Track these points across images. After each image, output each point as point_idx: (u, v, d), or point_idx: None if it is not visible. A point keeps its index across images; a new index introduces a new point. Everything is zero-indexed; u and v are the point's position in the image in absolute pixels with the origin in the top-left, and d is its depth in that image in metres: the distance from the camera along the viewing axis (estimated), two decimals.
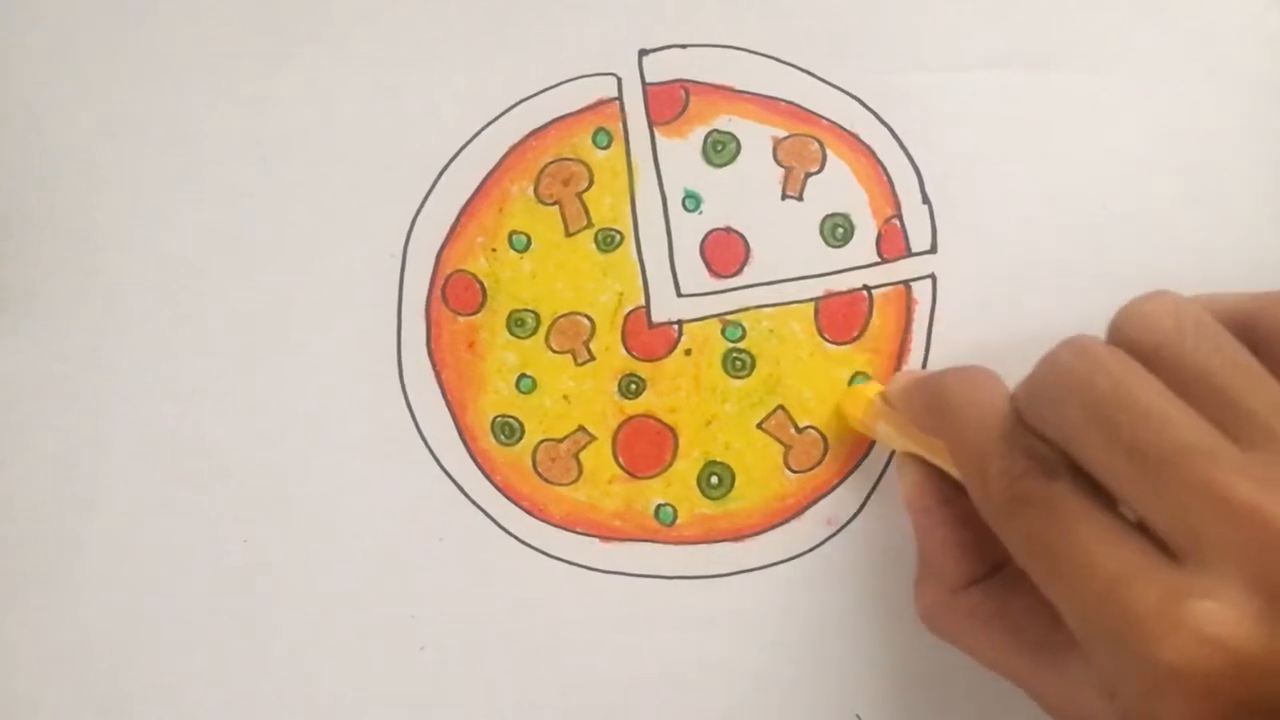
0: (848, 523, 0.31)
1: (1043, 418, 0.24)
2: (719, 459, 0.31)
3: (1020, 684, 0.26)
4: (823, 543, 0.31)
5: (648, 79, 0.31)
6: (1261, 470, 0.21)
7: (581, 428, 0.31)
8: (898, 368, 0.31)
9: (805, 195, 0.31)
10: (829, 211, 0.31)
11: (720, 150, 0.31)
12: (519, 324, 0.31)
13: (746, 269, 0.31)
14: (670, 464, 0.31)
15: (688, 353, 0.31)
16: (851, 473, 0.31)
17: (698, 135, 0.31)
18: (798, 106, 0.31)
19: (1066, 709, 0.25)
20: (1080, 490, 0.23)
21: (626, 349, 0.31)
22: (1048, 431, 0.24)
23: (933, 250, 0.31)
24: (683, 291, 0.31)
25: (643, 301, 0.31)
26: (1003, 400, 0.25)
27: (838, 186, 0.31)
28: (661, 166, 0.31)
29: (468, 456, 0.31)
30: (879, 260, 0.31)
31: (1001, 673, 0.27)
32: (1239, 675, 0.20)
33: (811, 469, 0.31)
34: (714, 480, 0.31)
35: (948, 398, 0.26)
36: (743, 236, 0.31)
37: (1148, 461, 0.22)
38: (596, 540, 0.31)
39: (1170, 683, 0.21)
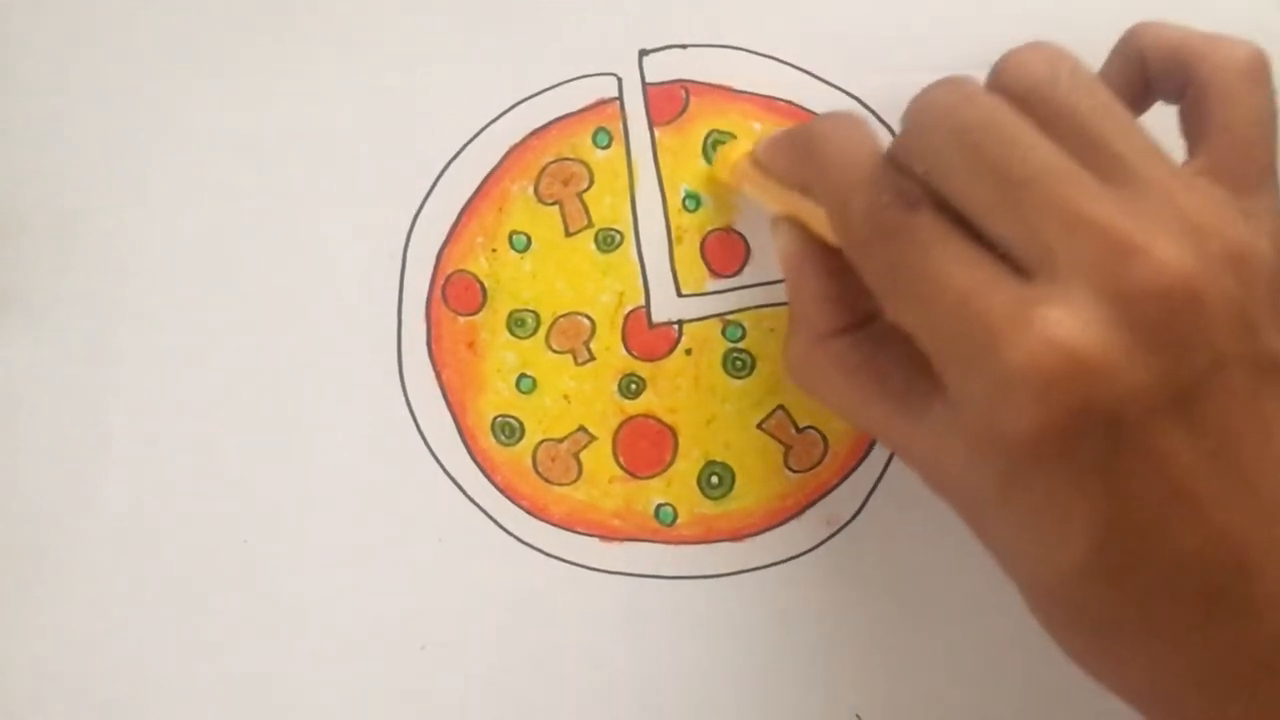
0: (848, 523, 0.31)
1: (909, 148, 0.24)
2: (719, 459, 0.31)
3: (880, 433, 0.26)
4: (823, 543, 0.31)
5: (648, 79, 0.31)
6: (1119, 199, 0.22)
7: (582, 427, 0.31)
8: None
9: None
10: None
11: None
12: (519, 324, 0.31)
13: (747, 269, 0.31)
14: (670, 464, 0.31)
15: (688, 352, 0.31)
16: (851, 473, 0.31)
17: (698, 135, 0.31)
18: (798, 106, 0.31)
19: (923, 456, 0.25)
20: (940, 219, 0.23)
21: (627, 349, 0.31)
22: (913, 162, 0.24)
23: None
24: (683, 291, 0.31)
25: (643, 301, 0.31)
26: (870, 141, 0.25)
27: None
28: (661, 166, 0.31)
29: (468, 456, 0.31)
30: None
31: (863, 424, 0.27)
32: (1081, 378, 0.21)
33: (811, 469, 0.31)
34: (714, 480, 0.31)
35: (815, 142, 0.26)
36: (743, 236, 0.31)
37: (1009, 183, 0.22)
38: (596, 540, 0.31)
39: (1013, 384, 0.21)
